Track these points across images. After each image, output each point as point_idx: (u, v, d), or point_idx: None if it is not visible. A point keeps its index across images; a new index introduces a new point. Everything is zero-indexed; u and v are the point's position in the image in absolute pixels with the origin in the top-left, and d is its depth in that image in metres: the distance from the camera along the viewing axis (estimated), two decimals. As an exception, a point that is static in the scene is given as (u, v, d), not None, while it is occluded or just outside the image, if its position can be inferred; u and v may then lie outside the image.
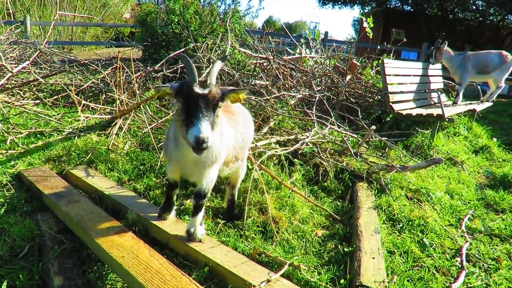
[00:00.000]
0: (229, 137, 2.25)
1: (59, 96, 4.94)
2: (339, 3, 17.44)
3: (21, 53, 5.77)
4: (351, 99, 5.91)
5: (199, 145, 1.65)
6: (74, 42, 12.17)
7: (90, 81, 4.99)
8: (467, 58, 6.30)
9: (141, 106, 3.91)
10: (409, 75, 5.84)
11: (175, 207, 2.50)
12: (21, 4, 11.55)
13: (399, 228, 2.90)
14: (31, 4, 11.70)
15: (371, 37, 6.88)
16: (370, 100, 5.82)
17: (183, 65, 5.29)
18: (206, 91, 1.73)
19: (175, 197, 2.46)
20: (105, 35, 14.05)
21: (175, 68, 5.49)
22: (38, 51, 5.28)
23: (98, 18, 12.98)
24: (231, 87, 1.86)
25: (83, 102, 4.16)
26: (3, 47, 5.72)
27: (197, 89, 1.72)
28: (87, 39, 13.18)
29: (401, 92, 5.31)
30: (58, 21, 10.40)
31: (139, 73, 5.34)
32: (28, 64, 4.10)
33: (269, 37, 8.81)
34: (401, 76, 5.58)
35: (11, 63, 5.04)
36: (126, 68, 4.93)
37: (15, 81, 4.87)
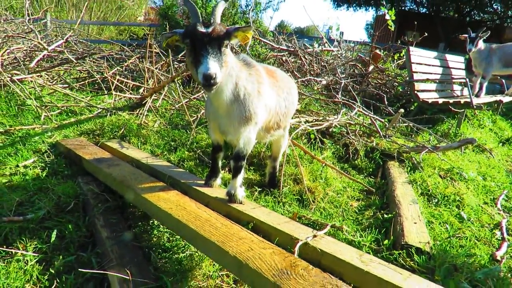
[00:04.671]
0: (270, 99, 2.24)
1: (86, 82, 5.02)
2: (354, 4, 17.45)
3: (49, 40, 5.89)
4: (374, 89, 5.89)
5: (207, 82, 1.69)
6: (92, 40, 12.37)
7: (118, 67, 5.07)
8: (492, 50, 6.20)
9: (170, 85, 3.95)
10: (434, 65, 5.79)
11: (220, 175, 2.49)
12: (39, 5, 11.79)
13: (434, 202, 2.87)
14: (49, 4, 11.96)
15: (392, 30, 6.85)
16: (393, 91, 5.79)
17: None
18: (209, 29, 1.75)
19: (220, 163, 2.45)
20: (119, 37, 14.23)
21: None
22: (72, 31, 5.37)
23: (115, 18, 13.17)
24: (237, 26, 1.88)
25: (115, 82, 4.22)
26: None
27: (201, 28, 1.75)
28: (102, 40, 13.41)
29: (427, 80, 5.26)
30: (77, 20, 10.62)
31: (163, 62, 5.41)
32: (62, 43, 4.17)
33: (282, 39, 8.82)
34: (426, 66, 5.54)
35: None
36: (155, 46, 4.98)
37: (47, 61, 4.94)
